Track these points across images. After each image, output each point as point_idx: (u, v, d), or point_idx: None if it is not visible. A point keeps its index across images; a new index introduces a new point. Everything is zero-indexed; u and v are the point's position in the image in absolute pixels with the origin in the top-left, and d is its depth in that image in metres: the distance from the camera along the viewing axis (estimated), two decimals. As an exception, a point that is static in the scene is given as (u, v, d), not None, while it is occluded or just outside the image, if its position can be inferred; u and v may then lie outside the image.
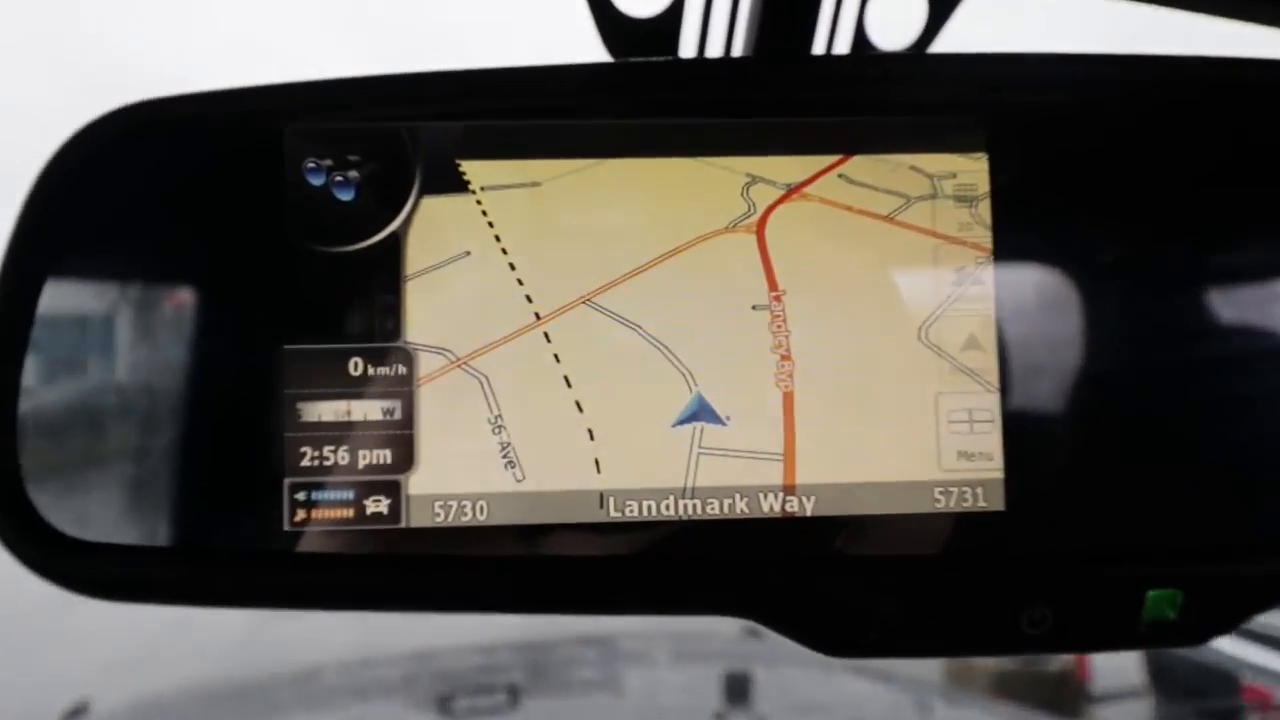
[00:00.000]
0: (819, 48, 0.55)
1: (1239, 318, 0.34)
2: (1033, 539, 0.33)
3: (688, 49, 0.59)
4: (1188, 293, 0.34)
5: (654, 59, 0.41)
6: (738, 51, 0.57)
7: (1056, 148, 0.34)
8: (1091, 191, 0.34)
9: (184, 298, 0.33)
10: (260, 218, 0.33)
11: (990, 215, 0.34)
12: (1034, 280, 0.34)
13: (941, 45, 0.58)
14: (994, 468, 0.33)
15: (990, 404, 0.33)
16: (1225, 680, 3.09)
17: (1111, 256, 0.33)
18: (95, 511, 0.32)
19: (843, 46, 0.57)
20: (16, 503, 0.31)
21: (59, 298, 0.32)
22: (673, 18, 0.56)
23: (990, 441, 0.33)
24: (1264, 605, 0.32)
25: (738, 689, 1.88)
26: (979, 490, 0.33)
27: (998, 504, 0.33)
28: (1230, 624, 0.32)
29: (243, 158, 0.33)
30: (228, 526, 0.32)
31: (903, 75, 0.35)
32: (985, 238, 0.34)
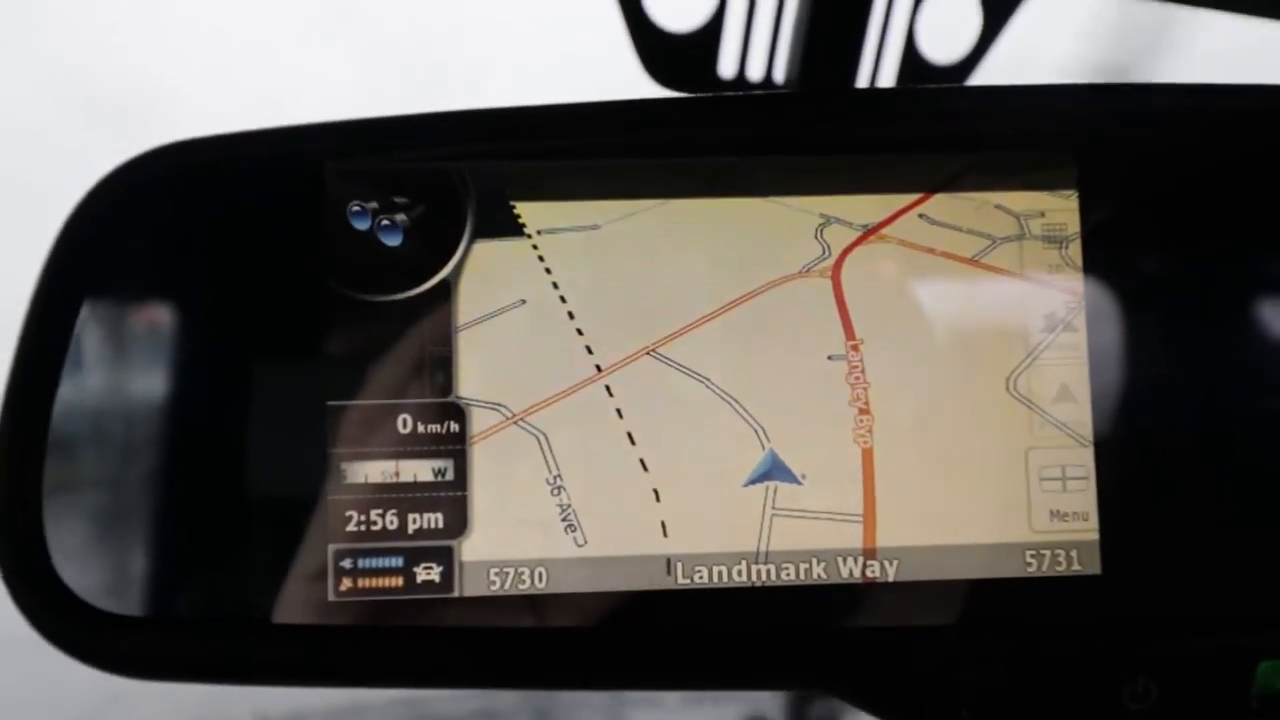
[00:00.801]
0: (866, 66, 0.54)
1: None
2: (1133, 606, 0.31)
3: (727, 67, 0.57)
4: (1296, 341, 0.32)
5: (719, 94, 0.39)
6: (779, 70, 0.56)
7: (1152, 184, 0.32)
8: (1191, 232, 0.32)
9: (220, 352, 0.31)
10: (302, 265, 0.31)
11: (1081, 257, 0.32)
12: (1129, 327, 0.32)
13: (992, 67, 0.57)
14: (1089, 528, 0.31)
15: (1084, 459, 0.32)
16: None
17: (1213, 301, 0.32)
18: (128, 584, 0.30)
19: (890, 65, 0.56)
20: (43, 576, 0.30)
21: (85, 355, 0.31)
22: (712, 33, 0.54)
23: (1085, 500, 0.31)
24: (1380, 674, 0.31)
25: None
26: (1074, 553, 0.31)
27: (1094, 568, 0.31)
28: (1346, 695, 0.30)
29: (283, 201, 0.32)
30: (269, 598, 0.31)
31: (987, 109, 0.33)
32: (1076, 281, 0.32)
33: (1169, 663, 0.30)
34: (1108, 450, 0.31)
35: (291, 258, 0.32)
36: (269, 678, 0.31)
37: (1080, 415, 0.32)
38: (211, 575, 0.31)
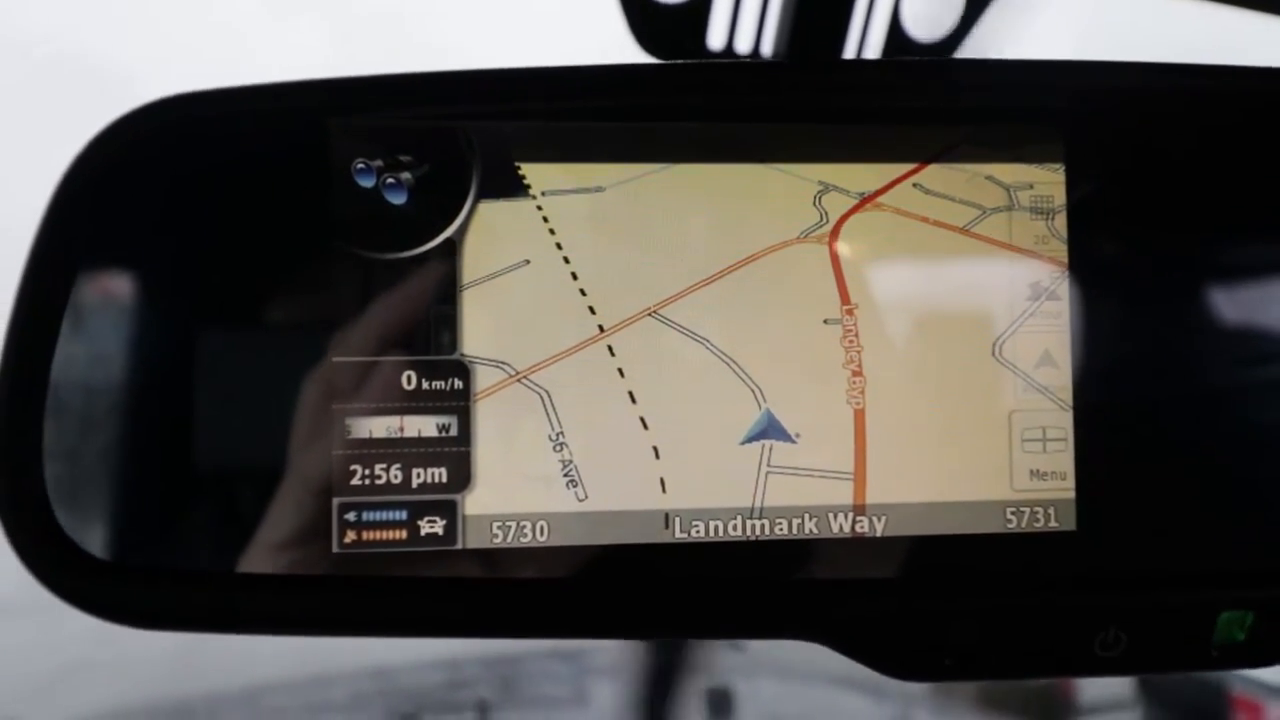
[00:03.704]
0: (852, 42, 0.57)
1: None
2: (1105, 561, 0.35)
3: (716, 39, 0.60)
4: (1265, 314, 0.36)
5: (725, 60, 0.42)
6: (767, 43, 0.59)
7: (1137, 160, 0.36)
8: (1173, 206, 0.36)
9: (225, 307, 0.33)
10: (306, 222, 0.34)
11: (1067, 229, 0.36)
12: (1110, 297, 0.36)
13: (977, 43, 0.61)
14: (1066, 488, 0.35)
15: (1064, 422, 0.35)
16: (1215, 692, 3.22)
17: (1191, 275, 0.36)
18: (135, 535, 0.33)
19: (876, 41, 0.59)
20: (45, 528, 0.32)
21: (85, 312, 0.33)
22: (702, 5, 0.57)
23: (1063, 461, 0.35)
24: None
25: (720, 705, 1.91)
26: (1051, 511, 0.35)
27: (1070, 524, 0.35)
28: (1297, 645, 0.35)
29: (286, 158, 0.34)
30: (273, 550, 0.33)
31: (981, 82, 0.36)
32: (1061, 252, 0.36)
33: (1137, 614, 0.34)
34: (1086, 414, 0.35)
35: (295, 214, 0.34)
36: (274, 627, 0.33)
37: (1061, 380, 0.35)
38: (218, 527, 0.33)
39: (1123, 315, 0.36)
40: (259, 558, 0.33)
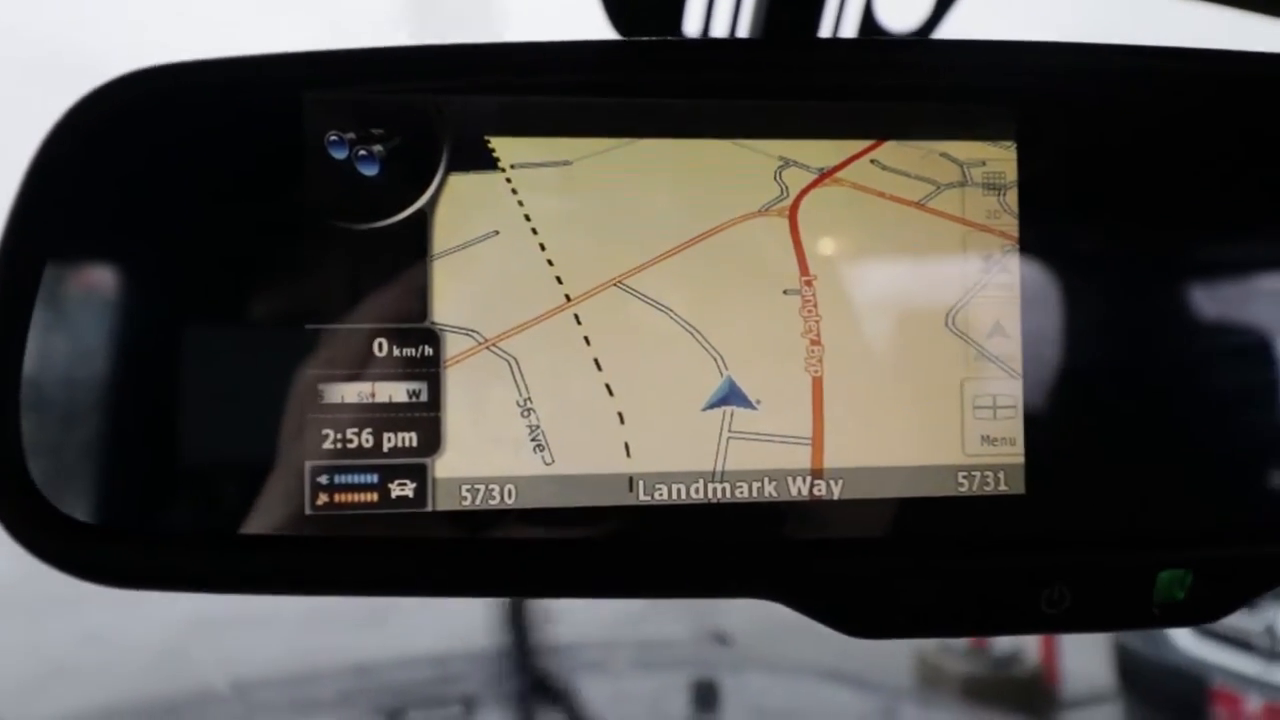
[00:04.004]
0: (826, 28, 0.59)
1: (1254, 311, 0.38)
2: (1052, 522, 0.36)
3: (692, 25, 0.61)
4: (1204, 286, 0.38)
5: (691, 38, 0.43)
6: (742, 29, 0.60)
7: (1085, 138, 0.37)
8: (1119, 183, 0.37)
9: (200, 275, 0.34)
10: (279, 193, 0.35)
11: (1018, 204, 0.37)
12: (1058, 269, 0.37)
13: (950, 32, 0.62)
14: (1015, 453, 0.37)
15: (1013, 390, 0.37)
16: (1195, 684, 3.29)
17: (1135, 249, 0.37)
18: (110, 498, 0.34)
19: (850, 27, 0.61)
20: (24, 490, 0.33)
21: (62, 279, 0.34)
22: (678, -10, 0.58)
23: (1013, 427, 0.37)
24: (1267, 586, 0.37)
25: (706, 697, 1.93)
26: (1001, 474, 0.37)
27: (1019, 488, 0.37)
28: (1235, 604, 0.36)
29: (260, 129, 0.35)
30: (247, 511, 0.34)
31: (936, 61, 0.38)
32: (1012, 226, 0.37)
33: (1082, 572, 0.35)
34: (1034, 382, 0.37)
35: (269, 185, 0.35)
36: (250, 587, 0.34)
37: (1011, 350, 0.37)
38: (194, 490, 0.34)
39: (1070, 287, 0.37)
40: (234, 520, 0.34)
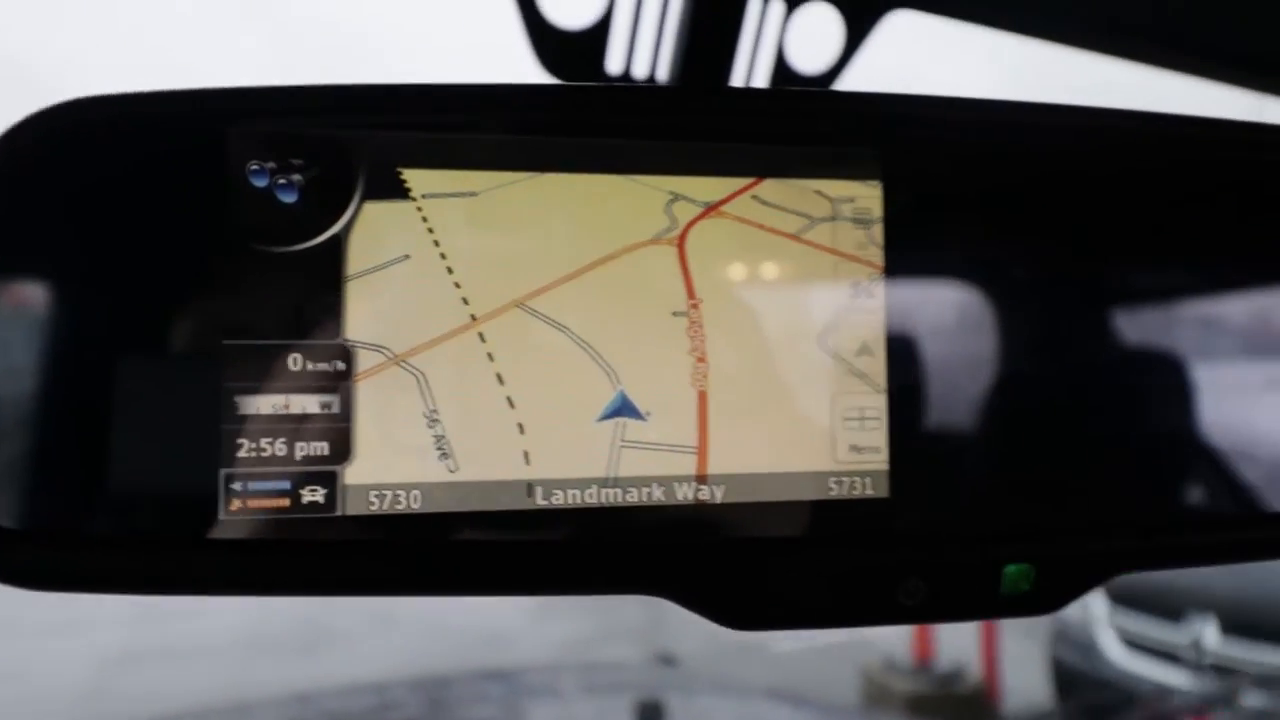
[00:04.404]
0: (741, 70, 0.64)
1: (1082, 330, 0.43)
2: (911, 522, 0.41)
3: (615, 63, 0.66)
4: (1043, 310, 0.43)
5: (588, 84, 0.47)
6: (663, 67, 0.64)
7: (942, 179, 0.42)
8: (972, 218, 0.42)
9: (127, 293, 0.37)
10: (203, 218, 0.37)
11: (883, 237, 0.42)
12: (919, 295, 0.42)
13: (857, 73, 0.68)
14: (880, 460, 0.41)
15: (879, 404, 0.41)
16: (1125, 697, 3.41)
17: (983, 277, 0.42)
18: (32, 503, 0.36)
19: (764, 69, 0.66)
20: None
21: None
22: (601, 32, 0.63)
23: (878, 437, 0.41)
24: (1104, 577, 0.42)
25: (651, 718, 1.95)
26: (867, 480, 0.41)
27: (883, 492, 0.41)
28: (1074, 594, 0.41)
29: (185, 158, 0.38)
30: (164, 515, 0.36)
31: (811, 110, 0.42)
32: (878, 256, 0.42)
33: (936, 568, 0.40)
34: (898, 396, 0.41)
35: (193, 210, 0.38)
36: (164, 588, 0.36)
37: (877, 367, 0.41)
38: (113, 495, 0.36)
39: (929, 311, 0.42)
40: (151, 524, 0.36)
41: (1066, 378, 0.43)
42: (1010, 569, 0.40)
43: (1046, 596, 0.40)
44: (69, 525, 0.36)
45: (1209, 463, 0.45)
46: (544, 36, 0.62)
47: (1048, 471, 0.42)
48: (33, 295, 0.36)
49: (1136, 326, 0.44)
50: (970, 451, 0.41)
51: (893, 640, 4.94)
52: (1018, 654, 4.54)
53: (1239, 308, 0.47)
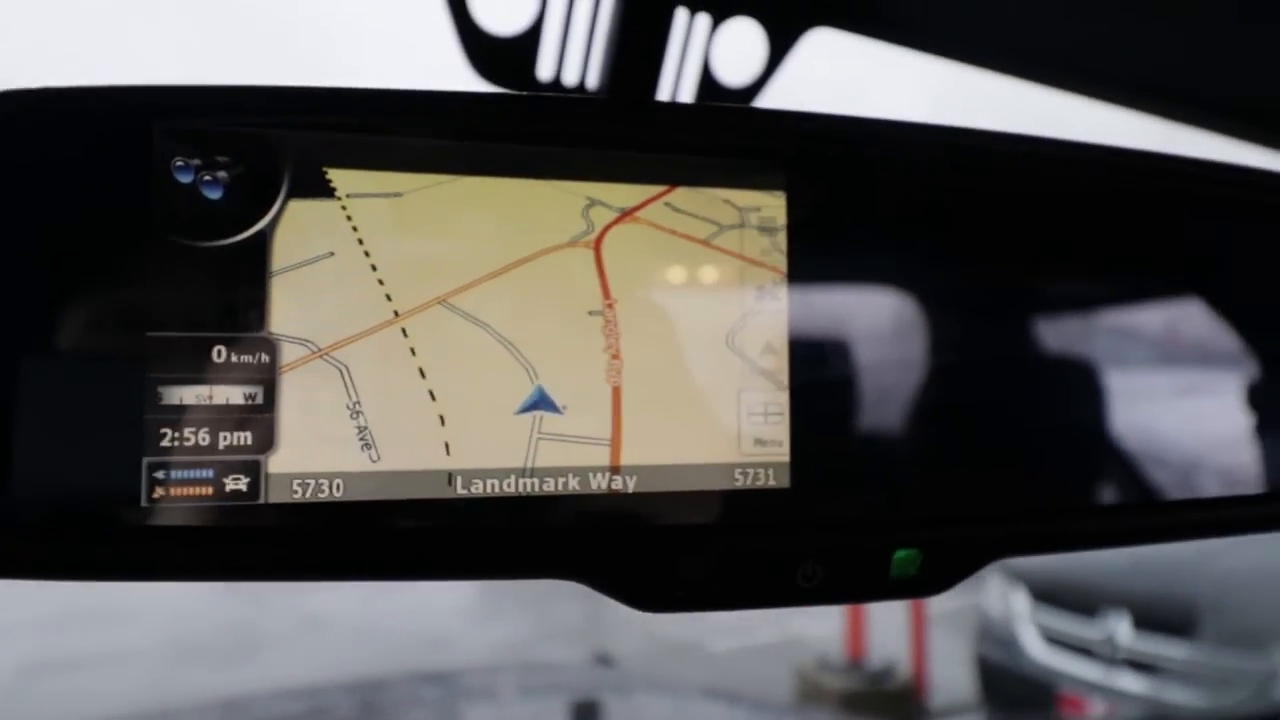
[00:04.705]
0: (668, 80, 0.66)
1: (966, 332, 0.47)
2: (810, 511, 0.44)
3: (545, 69, 0.68)
4: (935, 311, 0.46)
5: (510, 92, 0.49)
6: (593, 75, 0.67)
7: (840, 191, 0.46)
8: (869, 227, 0.46)
9: (50, 287, 0.37)
10: (128, 212, 0.38)
11: (786, 244, 0.45)
12: (819, 299, 0.45)
13: (792, 89, 0.71)
14: (782, 453, 0.44)
15: (781, 400, 0.44)
16: (1044, 691, 3.56)
17: (877, 280, 0.46)
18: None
19: (691, 80, 0.68)
20: None
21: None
22: (531, 38, 0.65)
23: (781, 431, 0.44)
24: (984, 562, 0.45)
25: (586, 717, 1.96)
26: (770, 471, 0.44)
27: (784, 482, 0.44)
28: (957, 578, 0.45)
29: (110, 153, 0.38)
30: (86, 503, 0.37)
31: (722, 124, 0.45)
32: (781, 262, 0.45)
33: (832, 553, 0.43)
34: (799, 393, 0.44)
35: (119, 205, 0.38)
36: (81, 573, 0.37)
37: (780, 365, 0.44)
38: (34, 483, 0.37)
39: (828, 313, 0.45)
40: (74, 511, 0.37)
41: (952, 378, 0.47)
42: (899, 554, 0.43)
43: (932, 580, 0.44)
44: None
45: (1081, 457, 0.49)
46: (476, 41, 0.64)
47: (935, 464, 0.46)
48: (-49, 285, 0.36)
49: (1015, 329, 0.48)
50: (865, 445, 0.45)
51: (826, 640, 5.05)
52: (945, 651, 4.69)
53: (1113, 312, 0.51)
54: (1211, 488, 0.52)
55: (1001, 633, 3.82)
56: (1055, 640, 3.62)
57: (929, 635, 4.73)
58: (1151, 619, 3.28)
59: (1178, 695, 3.07)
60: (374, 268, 0.41)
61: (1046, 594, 3.67)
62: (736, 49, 0.71)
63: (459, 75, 0.65)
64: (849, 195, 0.46)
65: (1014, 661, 3.73)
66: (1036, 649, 3.67)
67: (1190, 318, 0.53)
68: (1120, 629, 3.35)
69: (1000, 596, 3.87)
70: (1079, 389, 0.48)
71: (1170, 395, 0.52)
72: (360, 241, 0.40)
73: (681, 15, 0.66)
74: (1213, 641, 3.10)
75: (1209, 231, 0.51)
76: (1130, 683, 3.26)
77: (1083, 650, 3.48)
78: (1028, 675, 3.63)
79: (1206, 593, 3.20)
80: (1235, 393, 0.52)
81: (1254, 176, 0.52)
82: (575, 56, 0.67)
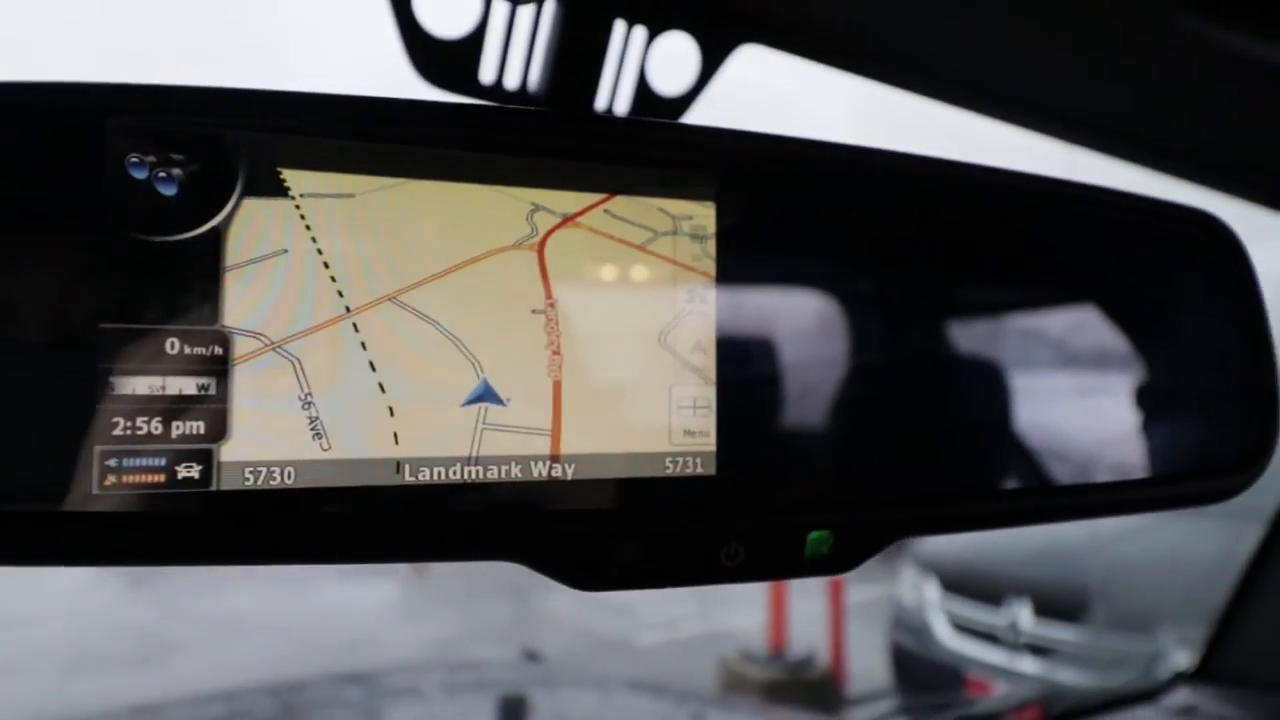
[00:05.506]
0: (606, 88, 0.69)
1: (876, 331, 0.52)
2: (734, 496, 0.48)
3: (487, 73, 0.70)
4: (845, 317, 0.51)
5: (460, 101, 0.51)
6: (533, 80, 0.69)
7: (765, 202, 0.50)
8: (792, 235, 0.50)
9: (8, 277, 0.38)
10: (82, 206, 0.39)
11: (715, 250, 0.48)
12: (745, 302, 0.49)
13: (707, 102, 0.75)
14: (709, 443, 0.48)
15: (709, 394, 0.48)
16: (953, 676, 3.73)
17: (798, 285, 0.50)
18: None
19: (628, 89, 0.72)
20: None
21: None
22: (474, 43, 0.67)
23: (708, 423, 0.48)
24: (889, 541, 0.50)
25: (513, 713, 1.98)
26: (698, 459, 0.48)
27: (711, 470, 0.48)
28: (865, 556, 0.49)
29: (65, 148, 0.39)
30: (38, 491, 0.38)
31: (659, 139, 0.49)
32: (711, 267, 0.48)
33: (752, 534, 0.47)
34: (725, 388, 0.48)
35: (73, 199, 0.39)
36: (32, 558, 0.38)
37: (708, 363, 0.48)
38: None
39: (753, 315, 0.49)
40: (23, 497, 0.38)
41: (864, 374, 0.51)
42: (813, 535, 0.47)
43: (843, 558, 0.48)
44: (-64, 498, 0.37)
45: (979, 446, 0.55)
46: (419, 44, 0.66)
47: (847, 453, 0.50)
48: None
49: (922, 330, 0.53)
50: (784, 435, 0.49)
51: (749, 632, 5.17)
52: (862, 640, 4.87)
53: (1012, 316, 0.57)
54: (1101, 475, 0.58)
55: (914, 621, 4.00)
56: (964, 628, 3.80)
57: (847, 625, 4.90)
58: (1050, 606, 3.49)
59: (1071, 676, 3.27)
60: (326, 265, 0.42)
61: (956, 584, 3.86)
62: (671, 61, 0.74)
63: (401, 77, 0.67)
64: (772, 207, 0.50)
65: (926, 649, 3.91)
66: (947, 636, 3.86)
67: (1085, 324, 0.59)
68: (1022, 615, 3.55)
69: (913, 587, 4.05)
70: (977, 385, 0.54)
71: (1063, 392, 0.58)
72: (314, 240, 0.42)
73: (620, 27, 0.69)
74: (1103, 625, 3.31)
75: (1098, 248, 0.57)
76: (1030, 665, 3.46)
77: (989, 636, 3.67)
78: (938, 661, 3.81)
79: (1097, 580, 3.43)
80: (1123, 390, 0.58)
81: (1127, 200, 0.58)
82: (516, 62, 0.69)
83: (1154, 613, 3.19)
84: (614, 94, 0.70)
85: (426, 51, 0.66)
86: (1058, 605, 3.47)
